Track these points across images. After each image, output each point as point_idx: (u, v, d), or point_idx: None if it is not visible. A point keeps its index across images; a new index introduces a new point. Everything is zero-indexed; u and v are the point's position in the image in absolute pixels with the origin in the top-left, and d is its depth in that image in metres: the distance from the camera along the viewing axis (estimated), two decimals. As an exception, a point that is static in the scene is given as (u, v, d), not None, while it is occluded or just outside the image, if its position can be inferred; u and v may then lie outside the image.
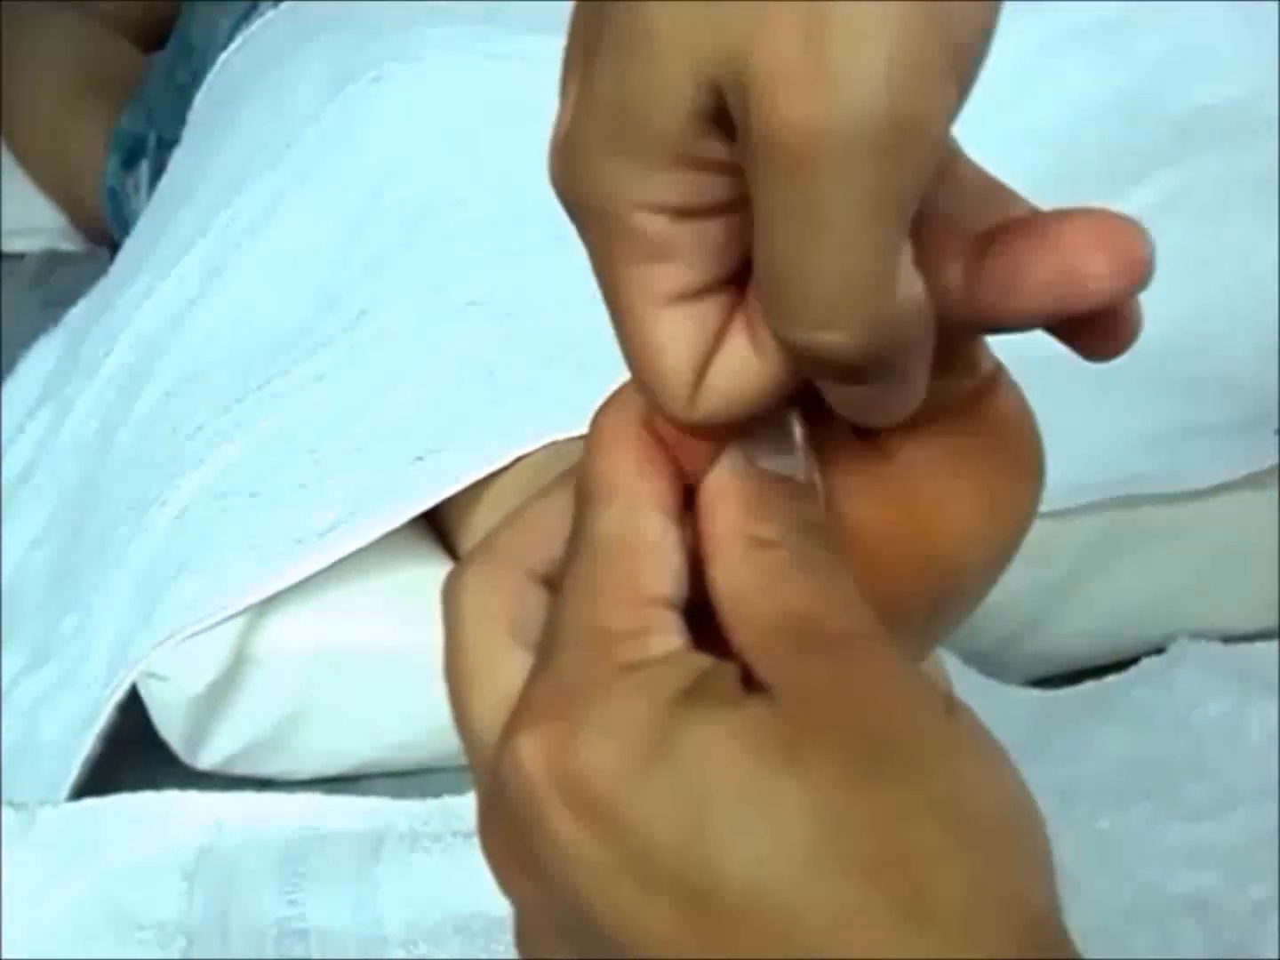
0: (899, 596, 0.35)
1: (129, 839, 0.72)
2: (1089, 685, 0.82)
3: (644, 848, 0.28)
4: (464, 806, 0.72)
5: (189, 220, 0.98)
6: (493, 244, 0.87)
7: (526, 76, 0.80)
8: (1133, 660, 0.82)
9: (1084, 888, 0.67)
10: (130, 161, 1.26)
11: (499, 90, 0.93)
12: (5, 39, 1.38)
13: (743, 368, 0.31)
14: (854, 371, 0.30)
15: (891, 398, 0.31)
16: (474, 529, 0.78)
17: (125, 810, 0.73)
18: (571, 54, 0.31)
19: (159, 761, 0.78)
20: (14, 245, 1.33)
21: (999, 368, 0.35)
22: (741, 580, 0.31)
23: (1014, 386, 0.35)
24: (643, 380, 0.32)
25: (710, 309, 0.31)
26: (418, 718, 0.76)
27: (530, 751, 0.29)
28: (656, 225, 0.30)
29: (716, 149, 0.29)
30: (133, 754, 0.78)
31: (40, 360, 1.07)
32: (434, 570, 0.77)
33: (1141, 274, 0.30)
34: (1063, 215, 0.31)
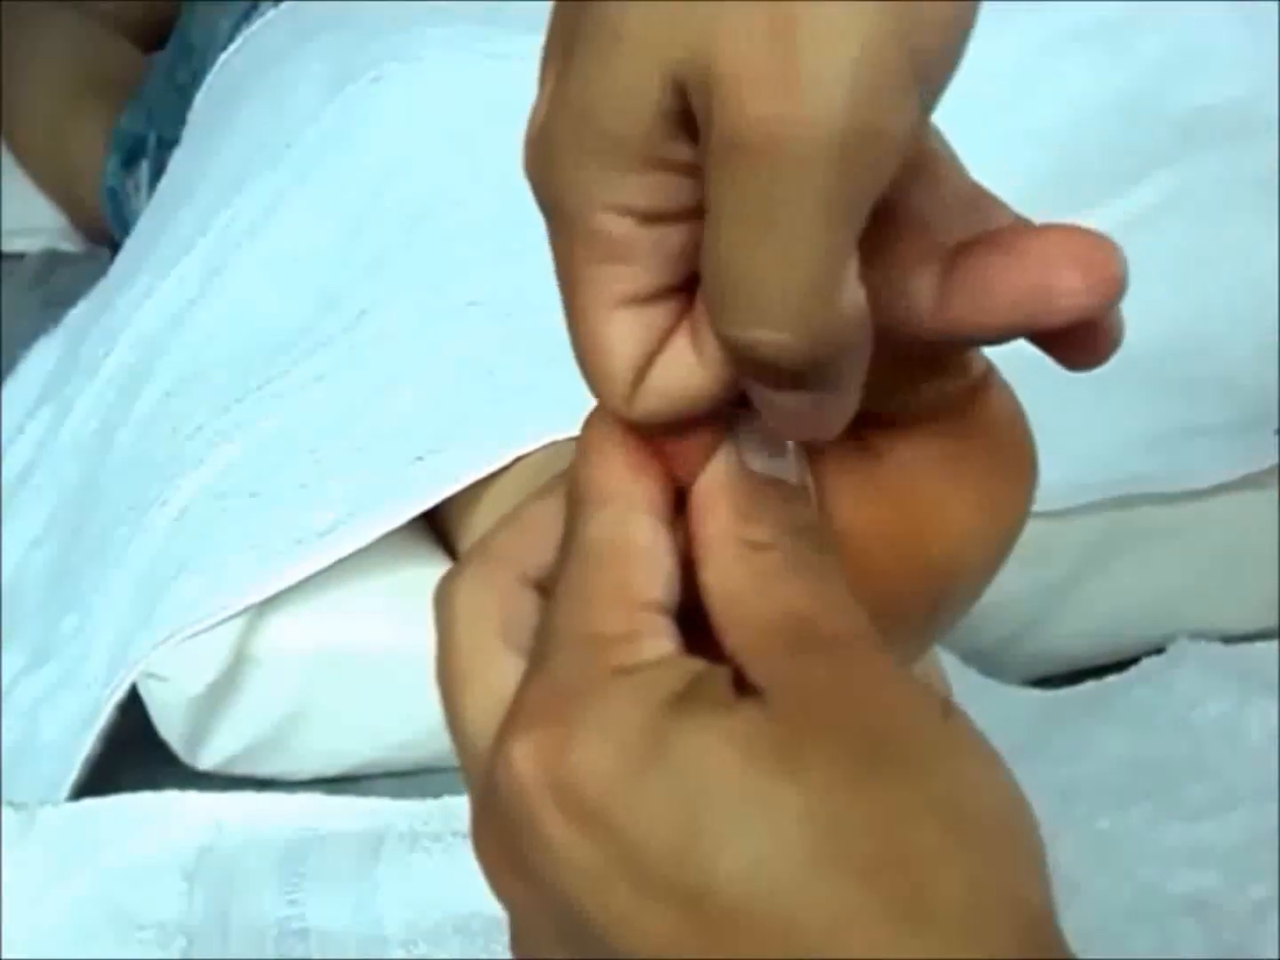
0: (892, 598, 0.35)
1: (129, 839, 0.72)
2: (1089, 685, 0.82)
3: (639, 851, 0.28)
4: (464, 806, 0.71)
5: (189, 220, 0.98)
6: (493, 244, 0.87)
7: (526, 76, 0.79)
8: (1133, 660, 0.82)
9: (1084, 888, 0.67)
10: (130, 161, 1.26)
11: (499, 90, 0.92)
12: (5, 39, 1.38)
13: (683, 370, 0.31)
14: (791, 376, 0.30)
15: (825, 409, 0.31)
16: (473, 529, 0.78)
17: (125, 810, 0.73)
18: (550, 48, 0.31)
19: (159, 761, 0.78)
20: (14, 245, 1.33)
21: (990, 368, 0.35)
22: (734, 583, 0.31)
23: (1005, 386, 0.35)
24: (586, 375, 0.32)
25: (659, 313, 0.31)
26: (418, 718, 0.76)
27: (523, 755, 0.29)
28: (621, 228, 0.30)
29: (683, 151, 0.29)
30: (133, 754, 0.78)
31: (40, 360, 1.07)
32: (434, 570, 0.77)
33: (1114, 291, 0.30)
34: (1035, 230, 0.31)
